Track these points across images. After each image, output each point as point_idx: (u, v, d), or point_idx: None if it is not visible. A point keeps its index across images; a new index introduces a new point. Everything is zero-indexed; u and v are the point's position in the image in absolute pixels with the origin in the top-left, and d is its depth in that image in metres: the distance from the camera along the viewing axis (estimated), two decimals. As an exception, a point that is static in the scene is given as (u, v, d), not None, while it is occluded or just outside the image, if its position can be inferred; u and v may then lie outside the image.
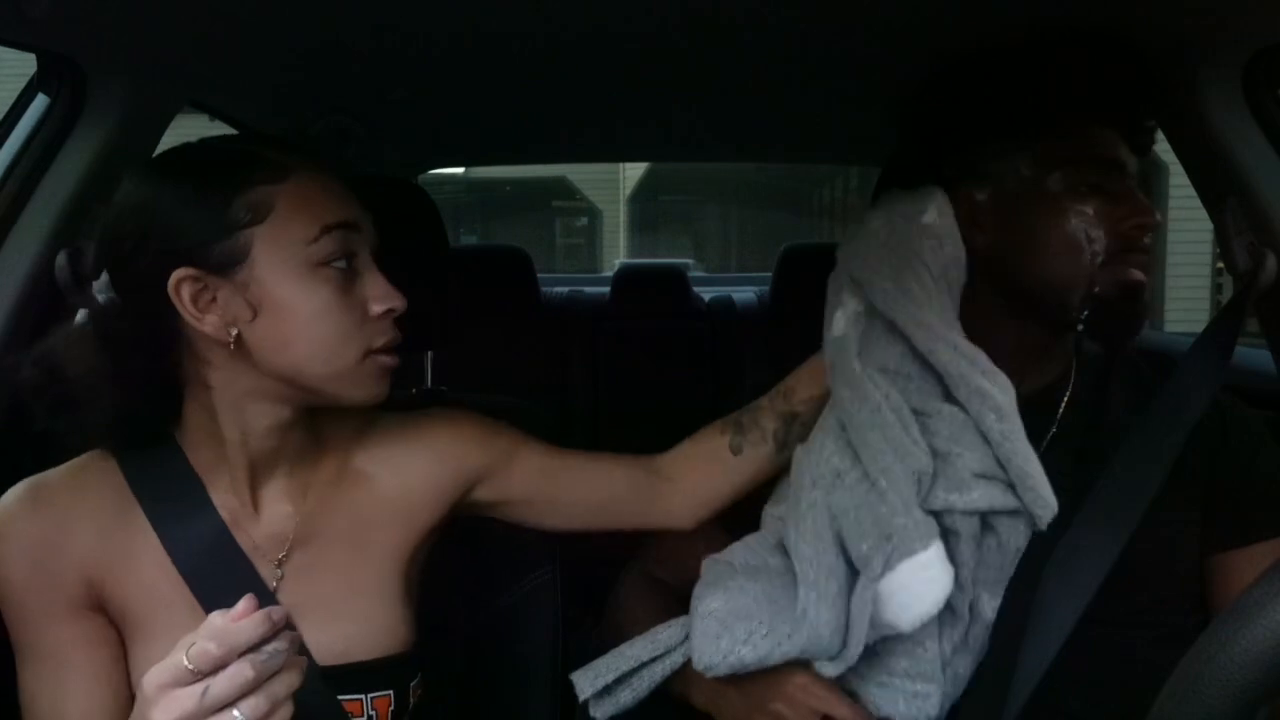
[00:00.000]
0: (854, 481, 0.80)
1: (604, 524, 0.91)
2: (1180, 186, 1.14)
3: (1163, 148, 1.09)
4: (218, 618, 0.59)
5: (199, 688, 0.57)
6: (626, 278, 2.64)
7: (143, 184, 0.74)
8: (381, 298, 0.76)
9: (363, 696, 0.77)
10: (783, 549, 0.85)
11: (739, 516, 1.00)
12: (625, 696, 0.87)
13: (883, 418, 0.79)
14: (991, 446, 0.78)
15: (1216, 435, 0.90)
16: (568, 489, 0.90)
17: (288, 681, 0.60)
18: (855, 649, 0.76)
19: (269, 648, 0.58)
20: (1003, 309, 0.91)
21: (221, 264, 0.71)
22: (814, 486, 0.81)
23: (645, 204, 12.79)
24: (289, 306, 0.72)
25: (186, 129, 1.33)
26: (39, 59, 1.03)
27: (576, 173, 11.66)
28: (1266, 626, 0.45)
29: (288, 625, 0.71)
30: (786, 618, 0.79)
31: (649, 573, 1.04)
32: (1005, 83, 0.90)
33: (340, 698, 0.76)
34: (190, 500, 0.77)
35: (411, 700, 0.81)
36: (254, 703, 0.57)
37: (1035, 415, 0.92)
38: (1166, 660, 0.51)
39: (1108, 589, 0.83)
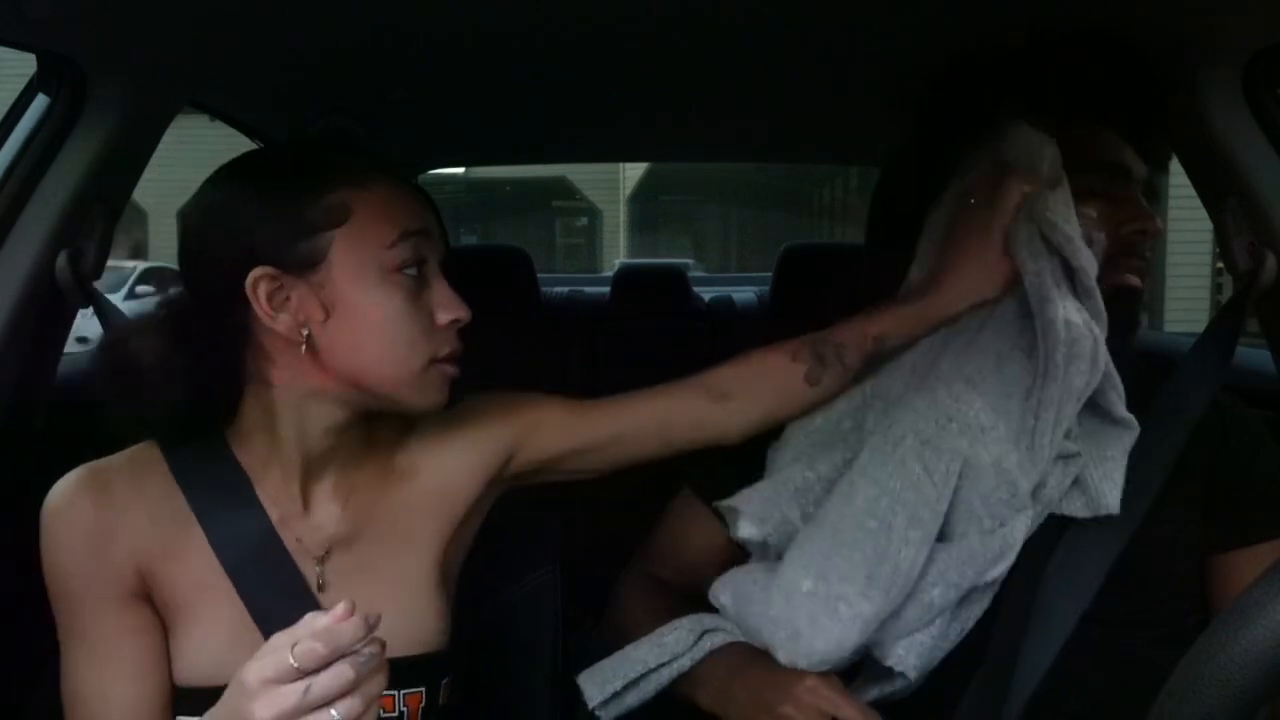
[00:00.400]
0: (998, 439, 0.82)
1: (655, 453, 0.92)
2: (1180, 186, 1.14)
3: (1163, 147, 1.09)
4: (320, 618, 0.60)
5: (302, 685, 0.58)
6: (626, 278, 2.63)
7: (225, 183, 0.76)
8: (449, 307, 0.78)
9: (395, 692, 0.77)
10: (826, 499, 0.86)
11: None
12: (631, 698, 0.87)
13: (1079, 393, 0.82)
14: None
15: (1217, 435, 0.90)
16: (607, 433, 0.90)
17: (379, 684, 0.62)
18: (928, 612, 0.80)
19: (366, 650, 0.61)
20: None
21: (299, 264, 0.73)
22: (960, 434, 0.82)
23: (645, 204, 12.80)
24: (361, 309, 0.74)
25: (187, 129, 1.34)
26: (39, 59, 1.03)
27: (576, 173, 11.68)
28: (1266, 627, 0.45)
29: None
30: (880, 576, 0.80)
31: (649, 572, 1.04)
32: (1006, 85, 0.90)
33: None
34: (237, 498, 0.78)
35: (442, 699, 0.81)
36: (350, 703, 0.59)
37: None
38: (1166, 660, 0.51)
39: (1108, 589, 0.83)
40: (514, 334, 2.20)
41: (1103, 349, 0.82)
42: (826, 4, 0.97)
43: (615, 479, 0.94)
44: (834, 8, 0.98)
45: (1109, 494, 0.83)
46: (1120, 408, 0.85)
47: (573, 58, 1.19)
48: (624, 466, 0.93)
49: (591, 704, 0.87)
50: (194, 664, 0.75)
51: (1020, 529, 0.81)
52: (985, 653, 0.84)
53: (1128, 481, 0.85)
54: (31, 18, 0.89)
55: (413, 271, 0.76)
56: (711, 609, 0.90)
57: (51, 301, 1.02)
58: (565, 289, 2.75)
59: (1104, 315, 0.83)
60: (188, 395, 0.74)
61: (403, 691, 0.78)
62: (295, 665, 0.59)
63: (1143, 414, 0.88)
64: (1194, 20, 0.92)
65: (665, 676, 0.87)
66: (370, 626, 0.61)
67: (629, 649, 0.88)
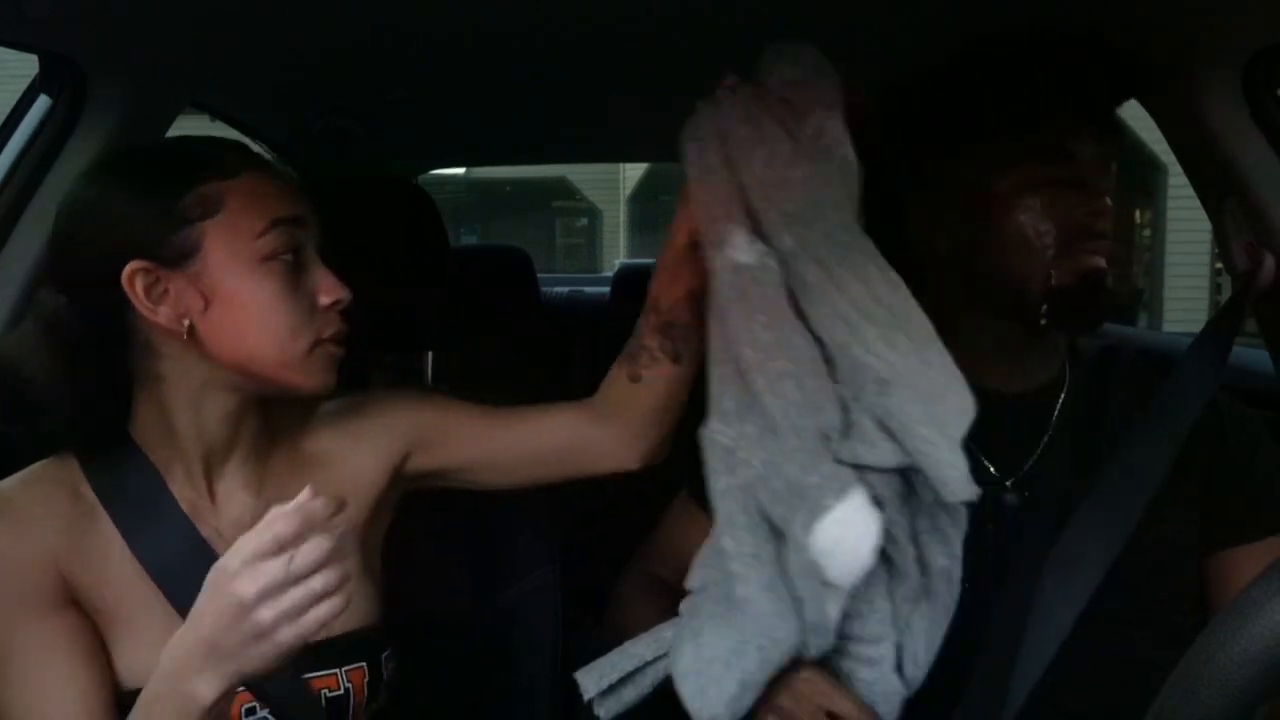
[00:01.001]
0: (757, 440, 0.73)
1: (554, 475, 0.93)
2: (1180, 187, 1.15)
3: (1162, 148, 1.09)
4: (284, 508, 0.63)
5: (285, 558, 0.61)
6: (627, 278, 2.63)
7: (97, 181, 0.77)
8: (328, 290, 0.79)
9: (337, 671, 0.79)
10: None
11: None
12: (628, 694, 0.87)
13: (803, 366, 0.72)
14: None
15: (1214, 435, 0.90)
16: (506, 447, 0.92)
17: (351, 563, 0.65)
18: (824, 621, 0.73)
19: (337, 525, 0.64)
20: (976, 309, 0.92)
21: (174, 257, 0.74)
22: (724, 457, 0.74)
23: (645, 204, 12.79)
24: (238, 297, 0.75)
25: (187, 129, 1.34)
26: (40, 60, 1.03)
27: (576, 173, 11.66)
28: (1265, 626, 0.46)
29: None
30: (754, 627, 0.75)
31: (649, 571, 1.04)
32: (941, 89, 0.90)
33: (314, 674, 0.78)
34: (152, 497, 0.78)
35: (385, 672, 0.82)
36: (328, 575, 0.62)
37: (1032, 415, 0.92)
38: (1166, 660, 0.51)
39: (1106, 588, 0.83)
40: (514, 334, 2.21)
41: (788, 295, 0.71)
42: (826, 4, 0.97)
43: (615, 479, 0.94)
44: (833, 8, 0.98)
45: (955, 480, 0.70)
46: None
47: (572, 58, 1.19)
48: (522, 486, 0.94)
49: (587, 695, 0.87)
50: (131, 668, 0.74)
51: (817, 528, 0.69)
52: (984, 652, 0.84)
53: (1127, 481, 0.85)
54: (32, 19, 0.89)
55: (288, 258, 0.77)
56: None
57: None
58: (565, 289, 2.75)
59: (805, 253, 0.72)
60: (81, 398, 0.74)
61: (344, 669, 0.79)
62: (275, 539, 0.61)
63: (1141, 413, 0.89)
64: (1194, 20, 0.93)
65: (662, 670, 0.86)
66: (339, 504, 0.64)
67: (627, 644, 0.88)
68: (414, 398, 0.92)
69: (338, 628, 0.78)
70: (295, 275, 0.78)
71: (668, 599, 0.99)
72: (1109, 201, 0.87)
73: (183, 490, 0.80)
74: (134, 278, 0.73)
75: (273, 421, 0.85)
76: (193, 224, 0.74)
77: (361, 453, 0.87)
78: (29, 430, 0.75)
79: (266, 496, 0.82)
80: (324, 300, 0.79)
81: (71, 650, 0.74)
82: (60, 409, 0.74)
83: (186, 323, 0.74)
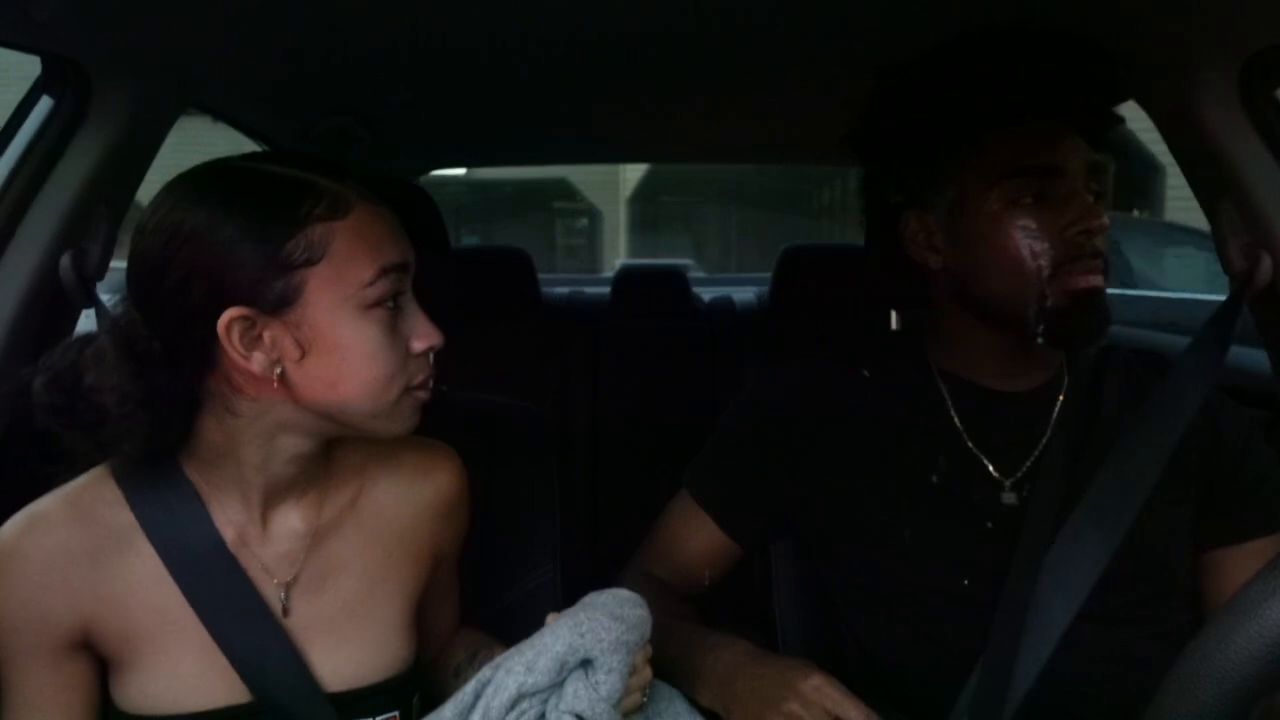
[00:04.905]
0: None
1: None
2: (1177, 187, 1.15)
3: (1160, 149, 1.10)
4: None
5: None
6: (627, 278, 2.63)
7: (190, 210, 0.70)
8: (424, 336, 0.75)
9: None
10: None
11: (734, 518, 1.00)
12: None
13: None
14: None
15: (1209, 434, 0.91)
16: (429, 602, 0.91)
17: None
18: None
19: None
20: (973, 319, 0.92)
21: (274, 304, 0.69)
22: None
23: (645, 205, 12.79)
24: (340, 348, 0.71)
25: (189, 130, 1.34)
26: (43, 62, 1.03)
27: (577, 173, 11.67)
28: (1263, 624, 0.46)
29: (294, 650, 0.74)
30: None
31: (648, 571, 1.04)
32: (921, 101, 0.89)
33: None
34: (191, 519, 0.76)
35: (414, 715, 0.82)
36: None
37: (1030, 414, 0.93)
38: (1162, 657, 0.51)
39: (1103, 586, 0.84)
40: (514, 335, 2.21)
41: None
42: (826, 5, 0.97)
43: (614, 479, 0.95)
44: (833, 9, 0.98)
45: None
46: None
47: (573, 60, 1.20)
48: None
49: None
50: (163, 692, 0.74)
51: None
52: (983, 650, 0.84)
53: (1122, 479, 0.86)
54: (37, 21, 0.89)
55: (391, 305, 0.73)
56: (709, 610, 0.90)
57: (55, 302, 1.03)
58: (566, 290, 2.75)
59: None
60: (147, 419, 0.70)
61: (379, 718, 0.79)
62: None
63: (1137, 412, 0.89)
64: (1191, 21, 0.93)
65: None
66: None
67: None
68: (469, 505, 0.91)
69: (373, 676, 0.79)
70: (394, 321, 0.73)
71: (666, 599, 0.99)
72: (1104, 218, 0.85)
73: (234, 515, 0.77)
74: (230, 326, 0.68)
75: (337, 456, 0.82)
76: (296, 270, 0.69)
77: (425, 511, 0.86)
78: (83, 441, 0.72)
79: (319, 532, 0.81)
80: (418, 346, 0.75)
81: (68, 705, 0.74)
82: (121, 424, 0.70)
83: (279, 370, 0.70)
